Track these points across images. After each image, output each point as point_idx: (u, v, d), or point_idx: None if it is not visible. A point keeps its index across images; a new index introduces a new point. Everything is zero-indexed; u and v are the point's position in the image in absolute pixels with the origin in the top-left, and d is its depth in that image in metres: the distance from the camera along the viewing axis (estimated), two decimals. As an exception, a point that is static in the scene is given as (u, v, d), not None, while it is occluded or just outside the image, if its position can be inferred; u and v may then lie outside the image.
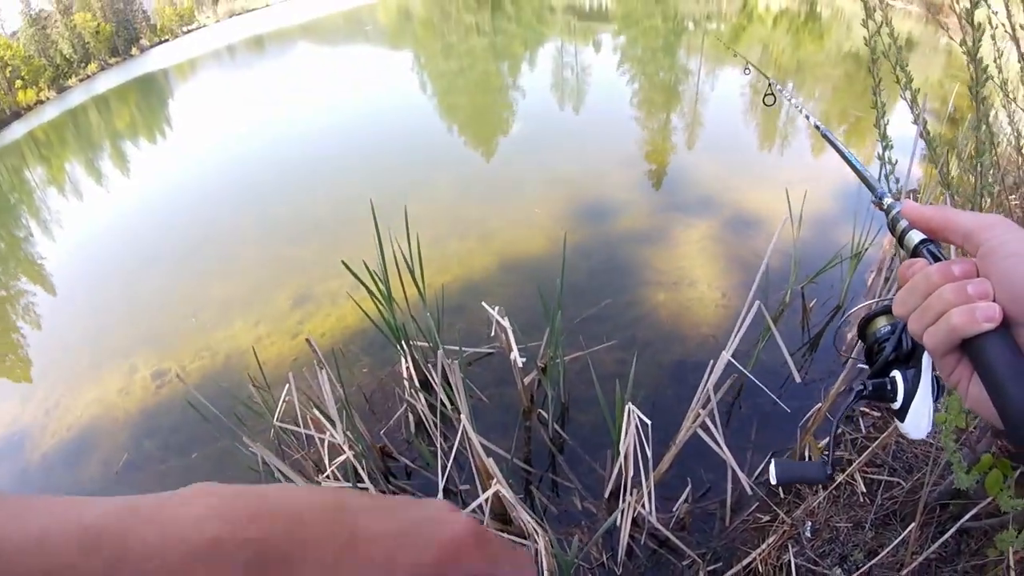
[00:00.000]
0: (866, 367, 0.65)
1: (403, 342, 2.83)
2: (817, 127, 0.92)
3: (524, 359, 2.44)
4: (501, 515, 2.25)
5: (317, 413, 2.62)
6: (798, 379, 2.35)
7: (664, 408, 2.29)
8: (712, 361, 2.09)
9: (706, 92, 9.40)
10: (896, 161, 1.63)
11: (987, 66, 1.56)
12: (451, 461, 2.25)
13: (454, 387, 2.10)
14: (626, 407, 1.99)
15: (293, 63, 19.49)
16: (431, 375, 2.88)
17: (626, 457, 2.03)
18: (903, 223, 0.58)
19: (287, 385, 2.76)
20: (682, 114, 8.25)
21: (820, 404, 2.43)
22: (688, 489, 2.25)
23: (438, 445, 2.66)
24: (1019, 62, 1.94)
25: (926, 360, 0.61)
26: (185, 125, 14.78)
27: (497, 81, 11.79)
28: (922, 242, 0.56)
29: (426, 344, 3.03)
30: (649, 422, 1.97)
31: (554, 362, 2.67)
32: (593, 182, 5.74)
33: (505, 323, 2.38)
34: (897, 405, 0.62)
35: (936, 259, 0.53)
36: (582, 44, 14.87)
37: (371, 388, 3.28)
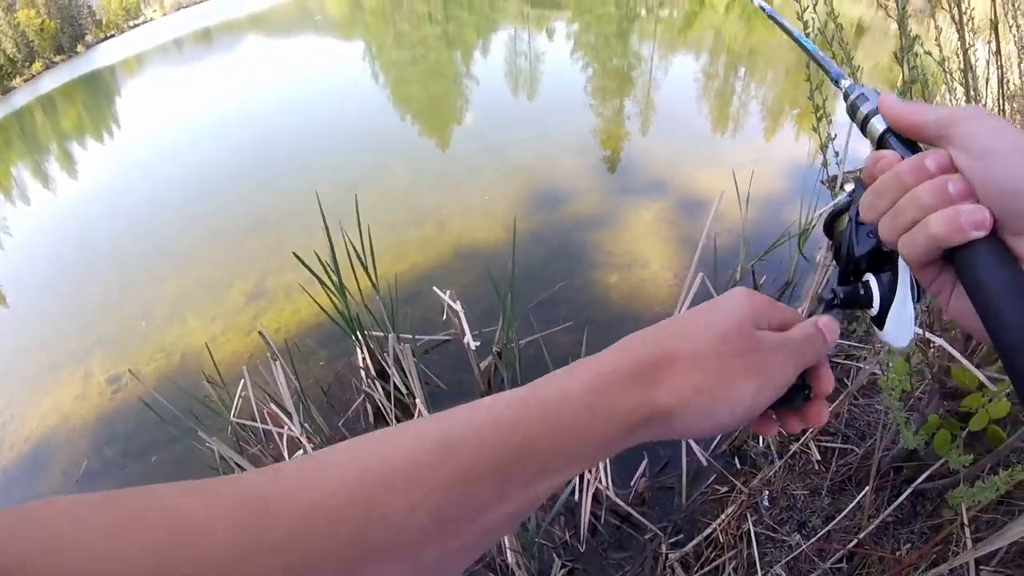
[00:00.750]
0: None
1: (358, 332, 2.79)
2: (761, 8, 0.83)
3: (479, 343, 2.44)
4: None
5: (274, 407, 2.58)
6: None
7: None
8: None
9: (659, 78, 9.46)
10: (835, 136, 1.65)
11: (916, 35, 1.59)
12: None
13: (408, 373, 2.08)
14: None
15: (242, 55, 19.10)
16: (387, 364, 2.85)
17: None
18: (865, 108, 0.52)
19: (242, 380, 2.71)
20: (635, 100, 8.29)
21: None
22: (645, 464, 2.27)
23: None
24: (957, 41, 1.99)
25: (903, 264, 0.54)
26: (133, 122, 14.34)
27: (450, 70, 11.71)
28: (888, 130, 0.49)
29: (381, 334, 3.00)
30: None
31: (509, 346, 2.66)
32: (548, 169, 5.73)
33: (457, 307, 2.36)
34: (874, 312, 0.56)
35: (910, 150, 0.46)
36: (536, 31, 14.85)
37: (328, 380, 3.24)
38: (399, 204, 5.26)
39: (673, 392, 0.41)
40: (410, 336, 2.87)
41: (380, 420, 2.86)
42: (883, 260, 0.55)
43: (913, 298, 0.55)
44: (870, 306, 0.55)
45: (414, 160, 6.73)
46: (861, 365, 2.63)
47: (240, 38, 23.06)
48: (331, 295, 2.69)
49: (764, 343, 0.44)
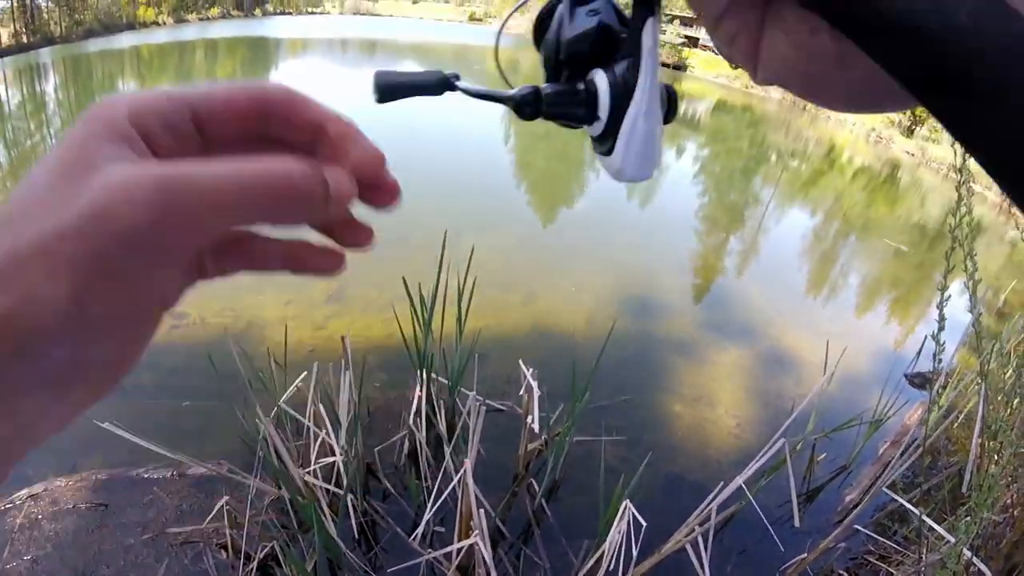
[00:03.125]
0: None
1: (423, 370, 2.87)
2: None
3: (535, 427, 2.48)
4: (465, 568, 2.25)
5: (322, 409, 2.65)
6: (797, 523, 2.35)
7: (650, 516, 2.31)
8: (723, 482, 2.11)
9: (769, 225, 9.51)
10: (944, 343, 1.66)
11: None
12: (437, 500, 2.25)
13: (470, 431, 2.13)
14: (623, 503, 2.00)
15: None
16: (439, 411, 2.91)
17: (608, 551, 2.02)
18: None
19: (305, 372, 2.81)
20: (741, 239, 8.35)
21: (805, 555, 2.41)
22: (657, 603, 2.23)
23: (423, 480, 2.68)
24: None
25: (648, 43, 0.36)
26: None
27: (576, 154, 12.03)
28: None
29: (444, 380, 3.06)
30: (644, 524, 1.97)
31: (563, 439, 2.69)
32: (643, 278, 5.81)
33: (534, 386, 2.42)
34: (600, 128, 0.38)
35: None
36: (667, 145, 15.12)
37: (377, 404, 3.31)
38: (492, 263, 5.38)
39: None
40: (470, 393, 2.92)
41: (412, 459, 2.90)
42: (615, 46, 0.38)
43: (663, 106, 0.39)
44: (592, 117, 0.38)
45: (517, 227, 6.91)
46: (893, 571, 2.54)
47: (400, 60, 24.32)
48: (416, 326, 2.79)
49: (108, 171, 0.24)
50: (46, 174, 0.24)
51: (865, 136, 30.61)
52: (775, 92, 36.17)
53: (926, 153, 27.71)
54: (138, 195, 0.23)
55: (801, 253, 8.40)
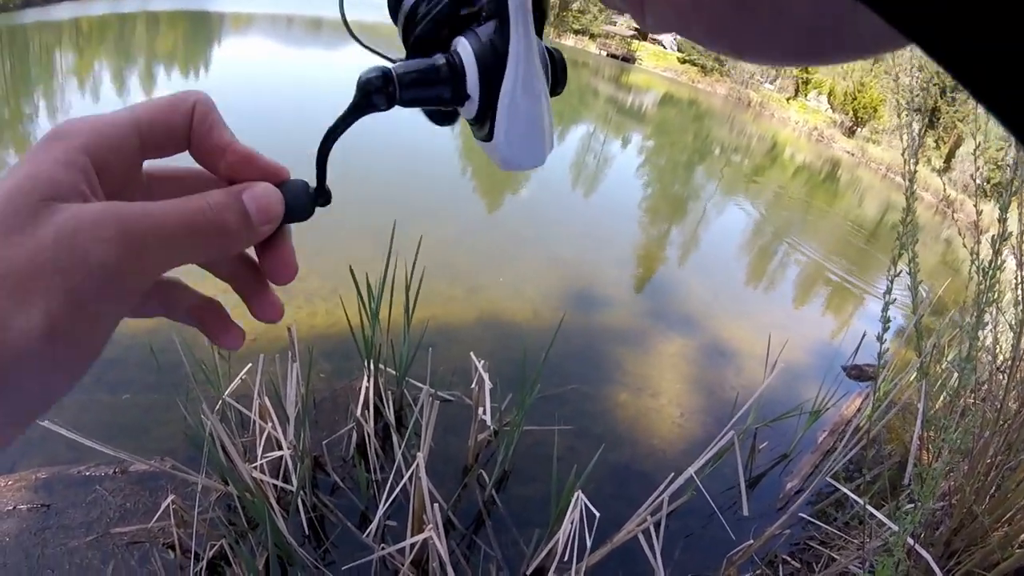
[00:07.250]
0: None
1: (371, 361, 2.83)
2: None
3: (487, 419, 2.47)
4: (418, 562, 2.23)
5: (268, 403, 2.59)
6: (746, 512, 2.41)
7: (599, 505, 2.34)
8: (674, 473, 2.15)
9: (711, 217, 9.73)
10: (887, 341, 1.72)
11: (996, 282, 1.68)
12: (391, 494, 2.22)
13: (423, 425, 2.10)
14: (576, 493, 2.02)
15: (342, 59, 19.76)
16: (387, 402, 2.87)
17: (561, 541, 2.04)
18: None
19: (250, 364, 2.73)
20: (682, 230, 8.51)
21: (751, 541, 2.48)
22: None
23: (372, 473, 2.65)
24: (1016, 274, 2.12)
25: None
26: (221, 73, 14.58)
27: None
28: None
29: (392, 371, 3.02)
30: (597, 514, 1.99)
31: (513, 430, 2.69)
32: (587, 268, 5.85)
33: (486, 378, 2.41)
34: (473, 108, 0.33)
35: None
36: (612, 136, 15.32)
37: (322, 395, 3.25)
38: (436, 253, 5.30)
39: None
40: (419, 384, 2.90)
41: (361, 451, 2.86)
42: (479, 5, 0.32)
43: (545, 73, 0.32)
44: (462, 96, 0.32)
45: (462, 215, 6.86)
46: (835, 556, 2.63)
47: (344, 41, 23.75)
48: (363, 316, 2.75)
49: (61, 227, 0.24)
50: (3, 201, 0.24)
51: (807, 134, 31.65)
52: (720, 88, 36.90)
53: (866, 153, 28.96)
54: (105, 233, 0.24)
55: (741, 245, 8.63)
